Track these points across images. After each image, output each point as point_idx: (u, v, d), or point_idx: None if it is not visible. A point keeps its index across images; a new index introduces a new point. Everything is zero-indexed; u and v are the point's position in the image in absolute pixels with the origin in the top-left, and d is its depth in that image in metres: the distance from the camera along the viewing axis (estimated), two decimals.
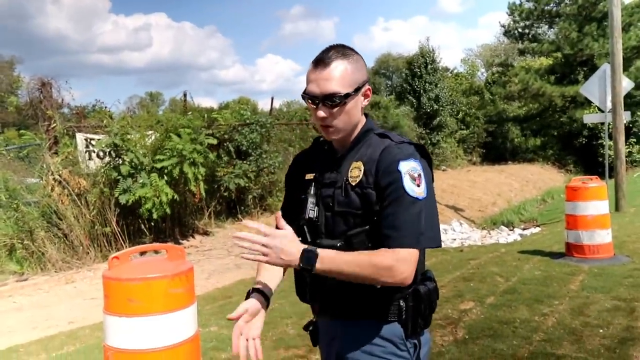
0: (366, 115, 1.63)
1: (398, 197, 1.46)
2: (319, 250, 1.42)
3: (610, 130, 10.25)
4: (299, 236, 1.58)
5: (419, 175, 1.48)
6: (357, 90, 1.52)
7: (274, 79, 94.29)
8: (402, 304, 1.52)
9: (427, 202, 1.48)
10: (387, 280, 1.43)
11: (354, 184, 1.52)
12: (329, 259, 1.42)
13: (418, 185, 1.47)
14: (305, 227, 1.59)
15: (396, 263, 1.42)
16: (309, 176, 1.64)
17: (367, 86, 1.58)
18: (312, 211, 1.58)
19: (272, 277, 1.67)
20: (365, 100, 1.58)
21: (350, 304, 1.54)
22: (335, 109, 1.51)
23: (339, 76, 1.49)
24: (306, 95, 1.54)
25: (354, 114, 1.55)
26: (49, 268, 7.22)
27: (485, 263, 6.26)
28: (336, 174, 1.58)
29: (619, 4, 10.12)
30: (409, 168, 1.48)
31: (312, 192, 1.60)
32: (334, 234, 1.54)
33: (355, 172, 1.53)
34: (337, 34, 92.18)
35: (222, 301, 5.52)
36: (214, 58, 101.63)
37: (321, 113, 1.51)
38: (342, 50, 1.54)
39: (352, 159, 1.57)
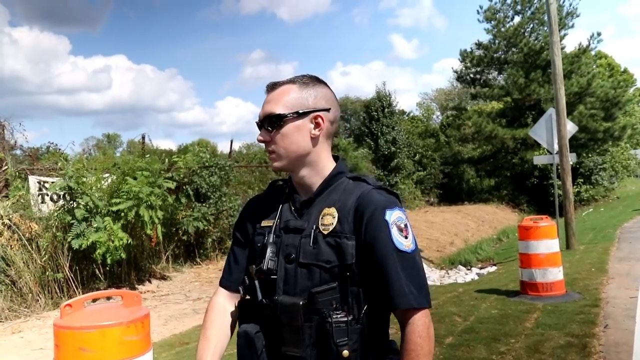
0: (337, 157, 1.49)
1: (388, 253, 1.30)
2: None
3: (558, 171, 10.71)
4: (249, 293, 1.42)
5: (406, 225, 1.35)
6: (299, 114, 1.38)
7: (234, 121, 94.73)
8: None
9: (417, 255, 1.35)
10: (432, 347, 1.30)
11: (326, 232, 1.35)
12: None
13: (406, 237, 1.33)
14: (256, 281, 1.39)
15: (427, 330, 1.29)
16: (267, 223, 1.46)
17: (320, 114, 1.40)
18: (272, 261, 1.37)
19: (218, 347, 1.47)
20: (317, 129, 1.40)
21: None
22: (272, 132, 1.39)
23: (279, 98, 1.40)
24: (256, 121, 1.45)
25: (296, 140, 1.39)
26: None
27: (444, 303, 6.33)
28: (302, 221, 1.40)
29: (560, 54, 10.78)
30: (395, 218, 1.33)
31: (271, 240, 1.40)
32: (295, 290, 1.34)
33: (328, 219, 1.36)
34: None
35: (179, 348, 5.36)
36: (174, 100, 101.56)
37: (259, 136, 1.42)
38: (301, 77, 1.45)
39: (322, 204, 1.39)
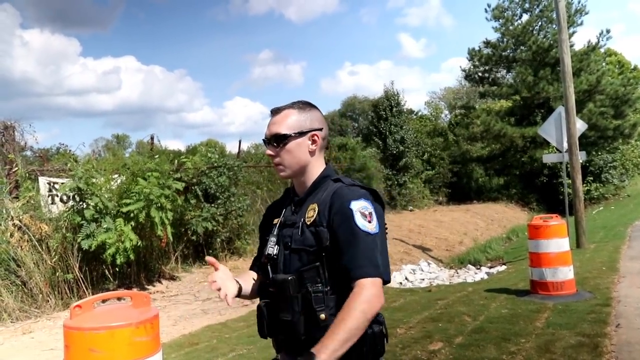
0: (327, 162, 1.83)
1: (352, 233, 1.59)
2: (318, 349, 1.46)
3: (568, 169, 10.62)
4: (262, 274, 1.81)
5: (370, 213, 1.63)
6: (300, 133, 1.73)
7: (242, 121, 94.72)
8: None
9: (380, 237, 1.62)
10: (374, 312, 1.53)
11: (309, 223, 1.68)
12: (325, 343, 1.46)
13: (369, 222, 1.61)
14: (268, 265, 1.76)
15: (369, 295, 1.52)
16: (276, 220, 1.83)
17: (315, 133, 1.76)
18: (271, 248, 1.76)
19: (246, 282, 1.86)
20: (313, 145, 1.76)
21: (298, 340, 1.64)
22: (278, 148, 1.74)
23: (283, 120, 1.74)
24: (263, 139, 1.82)
25: (298, 155, 1.75)
26: (5, 318, 6.89)
27: (453, 303, 6.30)
28: (296, 215, 1.76)
29: (569, 52, 10.70)
30: (359, 207, 1.63)
31: (274, 232, 1.79)
32: (289, 270, 1.69)
33: (311, 212, 1.70)
34: (305, 77, 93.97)
35: (188, 348, 5.37)
36: (183, 101, 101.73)
37: (268, 152, 1.78)
38: (297, 103, 1.79)
39: (310, 202, 1.74)
